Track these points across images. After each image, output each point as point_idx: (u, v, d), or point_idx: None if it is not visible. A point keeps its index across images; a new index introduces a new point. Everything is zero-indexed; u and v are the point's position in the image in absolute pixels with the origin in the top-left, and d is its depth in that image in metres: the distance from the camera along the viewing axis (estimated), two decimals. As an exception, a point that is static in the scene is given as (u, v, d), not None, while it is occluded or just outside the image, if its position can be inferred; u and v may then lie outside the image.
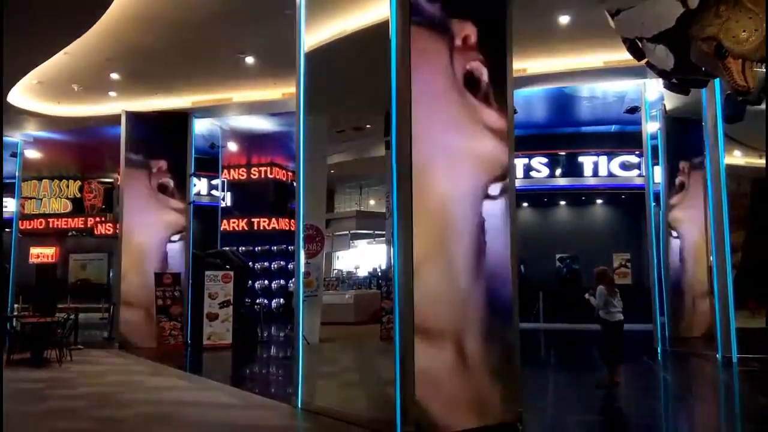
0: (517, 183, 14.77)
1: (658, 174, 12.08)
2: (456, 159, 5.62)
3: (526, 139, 14.99)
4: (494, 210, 5.81)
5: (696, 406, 6.76)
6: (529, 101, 12.67)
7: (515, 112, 10.52)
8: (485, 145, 5.83)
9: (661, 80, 7.59)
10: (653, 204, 11.71)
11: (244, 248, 17.92)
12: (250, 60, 10.04)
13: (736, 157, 14.92)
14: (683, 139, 11.98)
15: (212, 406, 6.73)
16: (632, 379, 7.94)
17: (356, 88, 9.87)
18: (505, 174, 5.94)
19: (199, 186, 16.82)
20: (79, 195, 20.25)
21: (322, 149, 11.55)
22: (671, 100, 11.24)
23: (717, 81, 8.36)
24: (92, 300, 17.61)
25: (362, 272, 20.80)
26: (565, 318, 14.52)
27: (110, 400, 6.88)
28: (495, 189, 5.83)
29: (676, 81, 7.33)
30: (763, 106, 10.59)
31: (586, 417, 6.19)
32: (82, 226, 20.01)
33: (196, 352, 11.02)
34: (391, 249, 5.50)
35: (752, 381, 7.96)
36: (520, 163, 15.09)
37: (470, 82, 5.79)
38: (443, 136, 5.56)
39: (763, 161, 14.78)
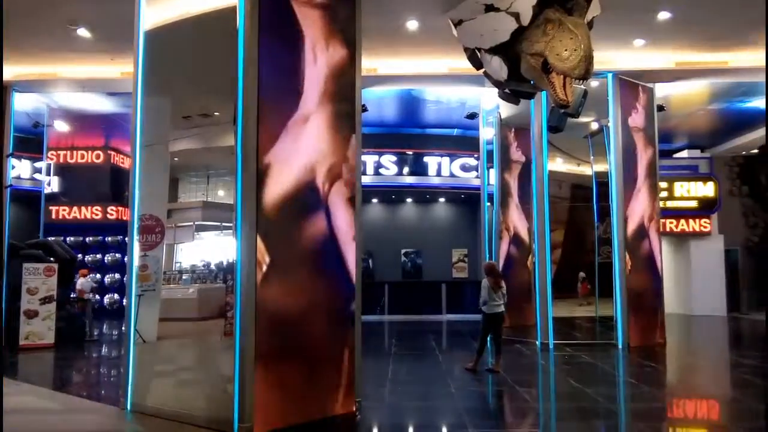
0: (368, 179, 15.24)
1: (493, 176, 13.10)
2: (302, 153, 5.61)
3: (376, 137, 15.42)
4: (340, 205, 5.89)
5: (515, 388, 7.43)
6: (380, 101, 13.04)
7: (365, 109, 10.83)
8: (332, 141, 5.89)
9: (496, 89, 8.24)
10: (487, 204, 12.68)
11: (73, 239, 16.34)
12: (83, 33, 9.14)
13: (558, 164, 16.63)
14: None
15: (27, 412, 6.05)
16: (460, 363, 8.52)
17: (204, 72, 9.38)
18: (352, 170, 6.05)
19: (20, 168, 15.01)
20: None
21: (164, 134, 10.84)
22: (506, 109, 12.21)
23: (543, 93, 9.25)
24: None
25: (209, 265, 19.92)
26: (409, 310, 15.21)
27: None
28: (341, 184, 5.92)
29: (509, 91, 7.96)
30: (582, 119, 11.88)
31: (422, 403, 6.52)
32: None
33: (11, 354, 9.84)
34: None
35: (563, 364, 8.93)
36: (370, 160, 15.49)
37: (318, 77, 5.81)
38: (290, 130, 5.52)
39: (580, 168, 16.63)
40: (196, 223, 22.12)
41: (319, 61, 5.80)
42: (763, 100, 12.55)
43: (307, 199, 5.61)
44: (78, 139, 16.66)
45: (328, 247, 5.75)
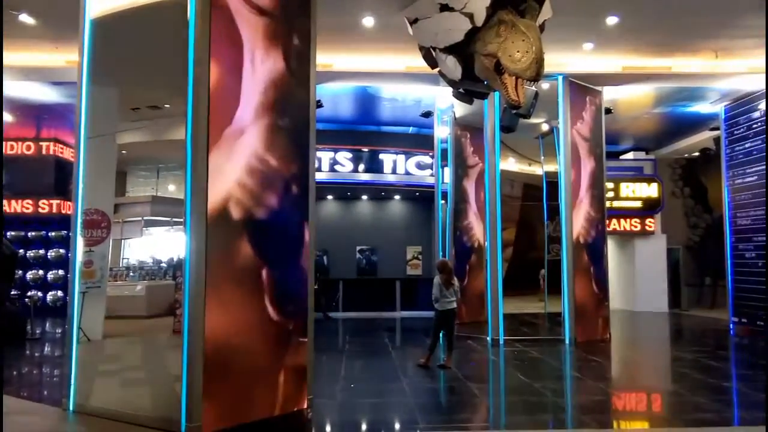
0: (323, 176, 15.18)
1: (447, 174, 13.25)
2: (254, 149, 5.53)
3: (332, 134, 15.38)
4: (293, 201, 5.84)
5: (465, 383, 7.55)
6: (337, 97, 12.99)
7: (320, 105, 10.77)
8: (285, 137, 5.83)
9: (450, 89, 8.33)
10: (441, 201, 12.82)
11: (13, 233, 15.65)
12: (25, 18, 8.76)
13: (511, 163, 16.97)
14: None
15: (-42, 415, 5.75)
16: (412, 360, 8.60)
17: (154, 63, 9.15)
18: (306, 166, 6.01)
19: (-46, 159, 14.25)
20: None
21: (111, 126, 10.51)
22: (460, 108, 12.36)
23: (497, 94, 9.41)
24: None
25: (158, 262, 19.43)
26: (363, 307, 15.23)
27: None
28: (294, 181, 5.87)
29: (463, 91, 8.06)
30: (534, 120, 12.11)
31: (374, 400, 6.54)
32: None
33: (-58, 355, 9.35)
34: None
35: (513, 360, 9.12)
36: (326, 156, 15.43)
37: (271, 72, 5.74)
38: (241, 124, 5.44)
39: (531, 168, 17.00)
40: (144, 218, 21.49)
41: (272, 56, 5.73)
42: (704, 105, 13.12)
43: (258, 194, 5.53)
44: (20, 130, 15.95)
45: (279, 243, 5.70)
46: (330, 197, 17.54)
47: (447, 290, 8.13)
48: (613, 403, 6.74)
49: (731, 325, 12.39)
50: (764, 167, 11.66)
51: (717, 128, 13.59)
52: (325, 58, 10.05)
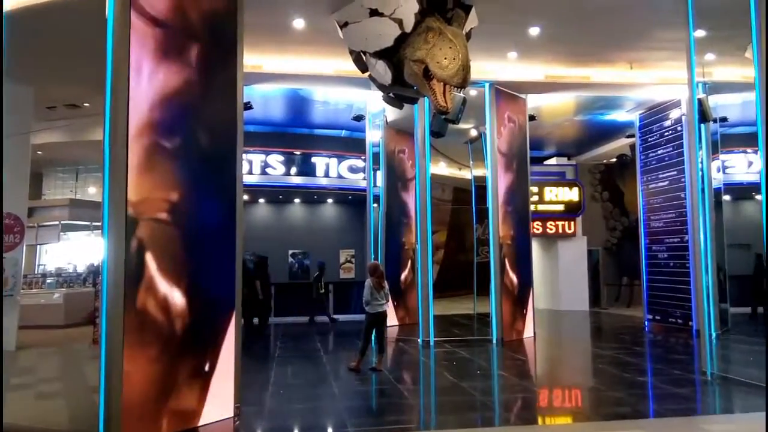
0: (254, 179, 14.91)
1: (380, 178, 13.35)
2: (178, 151, 5.38)
3: (263, 136, 15.13)
4: (219, 205, 5.72)
5: (396, 385, 7.62)
6: (268, 99, 12.81)
7: (250, 107, 10.59)
8: (211, 139, 5.70)
9: (381, 93, 8.41)
10: (374, 205, 12.89)
11: None
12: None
13: (442, 168, 17.31)
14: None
15: None
16: (344, 363, 8.60)
17: (71, 60, 8.76)
18: (233, 169, 5.89)
19: None
20: None
21: (24, 125, 9.95)
22: (392, 113, 12.49)
23: (426, 99, 9.56)
24: None
25: (77, 268, 18.54)
26: (295, 312, 15.06)
27: None
28: (219, 184, 5.75)
29: (393, 95, 8.15)
30: (463, 125, 12.35)
31: (304, 405, 6.49)
32: None
33: None
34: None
35: (442, 360, 9.29)
36: (257, 159, 15.15)
37: (197, 72, 5.60)
38: (163, 128, 5.27)
39: (461, 173, 17.40)
40: (62, 222, 20.34)
41: (196, 56, 5.59)
42: (620, 113, 13.87)
43: (181, 198, 5.38)
44: None
45: (203, 248, 5.56)
46: (262, 200, 17.24)
47: (378, 293, 8.20)
48: (537, 400, 6.99)
49: (646, 322, 13.13)
50: (675, 173, 12.46)
51: (632, 136, 14.40)
52: (254, 60, 9.90)
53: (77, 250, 20.55)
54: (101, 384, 4.70)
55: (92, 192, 21.75)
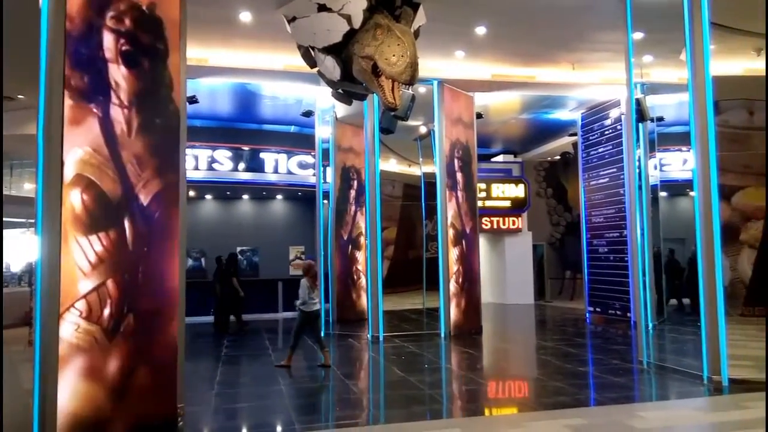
0: (200, 175, 14.59)
1: (329, 174, 13.31)
2: (117, 146, 5.19)
3: (210, 131, 14.83)
4: (160, 201, 5.55)
5: (344, 381, 7.64)
6: (214, 93, 12.55)
7: (196, 101, 10.36)
8: (151, 135, 5.51)
9: (329, 89, 8.36)
10: (323, 201, 12.84)
11: None
12: None
13: (392, 164, 17.39)
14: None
15: None
16: (296, 360, 8.54)
17: (4, 48, 8.30)
18: (176, 164, 5.73)
19: None
20: None
21: (-48, 117, 9.40)
22: (341, 109, 12.45)
23: (375, 96, 9.57)
24: None
25: (12, 267, 17.71)
26: (244, 309, 14.80)
27: None
28: (161, 180, 5.57)
29: (342, 91, 8.12)
30: (412, 122, 12.44)
31: (250, 404, 6.42)
32: None
33: None
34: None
35: (391, 355, 9.36)
36: (203, 154, 14.83)
37: (132, 65, 5.39)
38: (98, 121, 5.07)
39: (411, 169, 17.53)
40: (-6, 219, 19.27)
41: (131, 48, 5.40)
42: (563, 112, 14.29)
43: (119, 194, 5.20)
44: None
45: (144, 247, 5.39)
46: (209, 197, 16.91)
47: (313, 292, 8.23)
48: (484, 392, 7.14)
49: (587, 314, 13.60)
50: (615, 170, 12.93)
51: (575, 134, 14.85)
52: (199, 53, 9.68)
53: (11, 249, 19.61)
54: (35, 388, 4.51)
55: (28, 188, 20.76)
